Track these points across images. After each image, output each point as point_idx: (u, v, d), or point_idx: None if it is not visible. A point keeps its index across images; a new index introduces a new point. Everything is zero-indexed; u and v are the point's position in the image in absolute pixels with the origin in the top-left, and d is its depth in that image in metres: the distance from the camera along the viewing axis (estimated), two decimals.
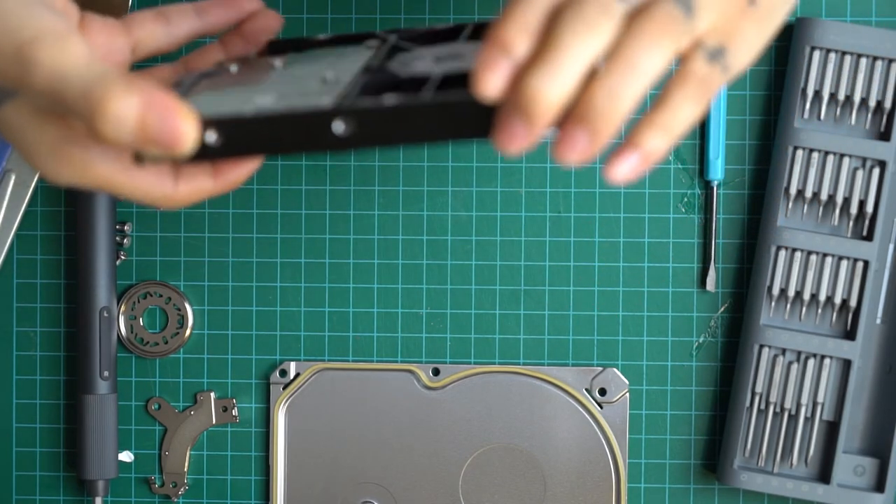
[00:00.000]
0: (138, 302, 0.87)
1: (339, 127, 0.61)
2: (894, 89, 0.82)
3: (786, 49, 0.85)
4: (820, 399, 0.83)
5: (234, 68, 0.69)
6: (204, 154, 0.61)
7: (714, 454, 0.86)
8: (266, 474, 0.87)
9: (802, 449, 0.84)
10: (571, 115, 0.56)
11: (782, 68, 0.85)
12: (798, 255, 0.83)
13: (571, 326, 0.86)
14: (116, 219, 0.86)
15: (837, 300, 0.83)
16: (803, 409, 0.84)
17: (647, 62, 0.56)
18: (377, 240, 0.86)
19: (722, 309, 0.86)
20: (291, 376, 0.86)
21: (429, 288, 0.86)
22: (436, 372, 0.86)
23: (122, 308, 0.87)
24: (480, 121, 0.59)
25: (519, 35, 0.56)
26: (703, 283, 0.86)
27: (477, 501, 0.86)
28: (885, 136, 0.83)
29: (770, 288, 0.84)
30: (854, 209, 0.83)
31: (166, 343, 0.87)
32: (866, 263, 0.83)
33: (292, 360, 0.86)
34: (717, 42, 0.58)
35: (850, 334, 0.83)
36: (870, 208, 0.83)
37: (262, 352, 0.87)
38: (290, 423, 0.86)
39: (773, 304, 0.84)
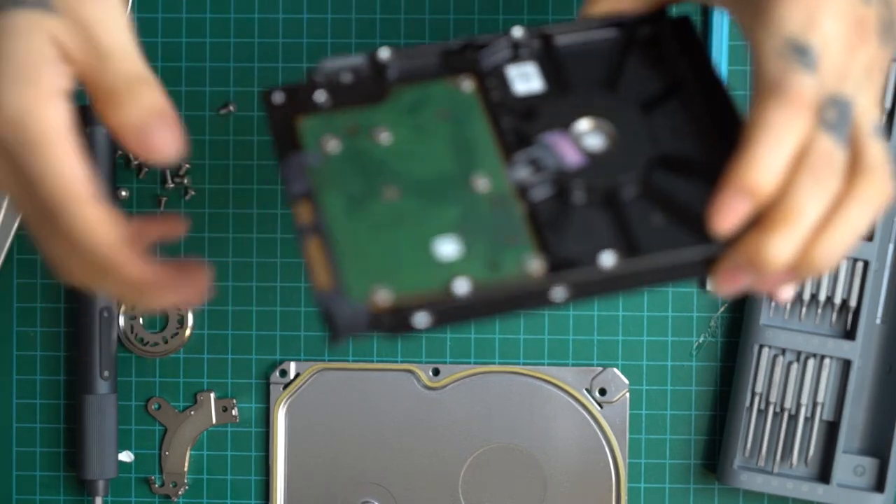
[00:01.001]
0: None
1: (557, 295, 0.59)
2: (893, 90, 0.82)
3: None
4: (820, 399, 0.83)
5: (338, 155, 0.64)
6: (408, 329, 0.58)
7: (714, 454, 0.86)
8: (266, 474, 0.87)
9: (802, 449, 0.84)
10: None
11: None
12: None
13: (571, 326, 0.86)
14: None
15: (837, 300, 0.83)
16: (803, 409, 0.84)
17: (864, 222, 0.59)
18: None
19: (722, 309, 0.86)
20: (291, 376, 0.86)
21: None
22: (436, 372, 0.86)
23: (123, 308, 0.87)
24: (701, 269, 0.59)
25: (764, 181, 0.57)
26: (703, 282, 0.86)
27: (477, 501, 0.86)
28: (885, 137, 0.83)
29: None
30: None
31: (166, 343, 0.87)
32: (866, 263, 0.83)
33: (292, 360, 0.86)
34: None
35: (850, 334, 0.83)
36: None
37: (262, 352, 0.87)
38: (290, 423, 0.86)
39: (772, 304, 0.84)
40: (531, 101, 0.64)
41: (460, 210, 0.61)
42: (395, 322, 0.57)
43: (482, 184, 0.61)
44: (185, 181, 0.86)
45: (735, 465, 0.84)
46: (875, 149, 0.59)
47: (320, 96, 0.64)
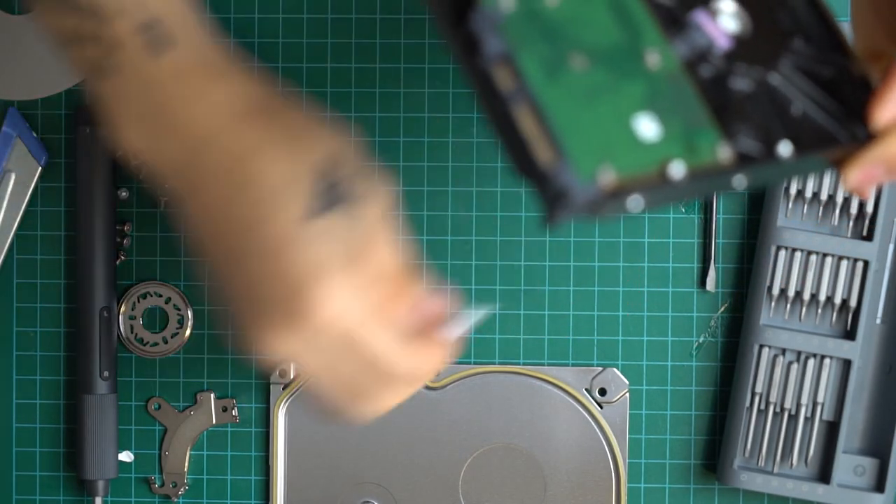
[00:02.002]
0: (138, 302, 0.87)
1: (739, 182, 0.59)
2: None
3: None
4: (820, 399, 0.83)
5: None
6: (622, 210, 0.56)
7: (714, 454, 0.86)
8: (266, 474, 0.87)
9: (802, 449, 0.84)
10: None
11: None
12: (798, 254, 0.83)
13: (571, 326, 0.86)
14: (116, 219, 0.86)
15: (837, 300, 0.83)
16: (803, 409, 0.84)
17: None
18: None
19: (722, 309, 0.86)
20: (291, 376, 0.86)
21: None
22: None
23: (122, 308, 0.87)
24: (844, 157, 0.61)
25: None
26: (703, 282, 0.86)
27: (477, 501, 0.86)
28: None
29: (770, 288, 0.84)
30: (854, 209, 0.83)
31: (166, 343, 0.87)
32: (866, 263, 0.83)
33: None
34: None
35: (850, 334, 0.83)
36: (870, 208, 0.83)
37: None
38: (290, 423, 0.86)
39: (773, 303, 0.84)
40: None
41: (645, 85, 0.59)
42: (615, 204, 0.55)
43: (653, 58, 0.59)
44: None
45: (735, 465, 0.84)
46: None
47: None
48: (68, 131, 0.87)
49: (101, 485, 0.86)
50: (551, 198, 0.54)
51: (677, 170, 0.56)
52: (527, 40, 0.57)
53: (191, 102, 0.60)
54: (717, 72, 0.61)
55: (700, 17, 0.61)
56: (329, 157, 0.60)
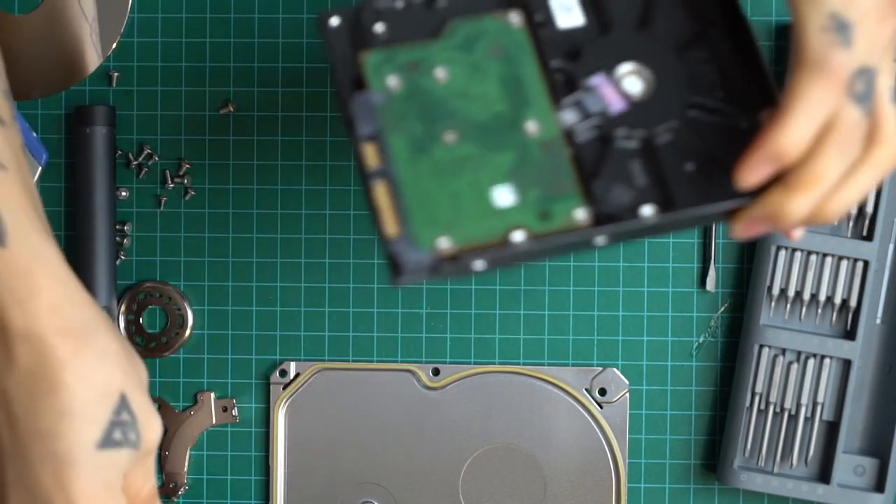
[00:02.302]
0: (138, 302, 0.87)
1: (599, 241, 0.64)
2: None
3: (785, 49, 0.85)
4: (820, 399, 0.83)
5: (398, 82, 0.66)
6: (465, 272, 0.63)
7: (714, 454, 0.86)
8: (266, 474, 0.87)
9: (802, 449, 0.84)
10: None
11: (781, 69, 0.85)
12: (798, 254, 0.83)
13: (571, 326, 0.86)
14: (116, 219, 0.86)
15: (837, 300, 0.83)
16: (803, 409, 0.84)
17: (875, 182, 0.65)
18: (378, 239, 0.86)
19: (722, 309, 0.86)
20: (291, 376, 0.86)
21: (428, 288, 0.86)
22: (436, 372, 0.86)
23: (122, 308, 0.87)
24: (726, 218, 0.65)
25: (794, 149, 0.62)
26: (703, 282, 0.86)
27: (477, 501, 0.86)
28: None
29: (770, 288, 0.84)
30: (854, 209, 0.83)
31: (166, 343, 0.87)
32: (866, 263, 0.83)
33: (292, 360, 0.86)
34: None
35: (849, 334, 0.83)
36: (870, 208, 0.83)
37: (262, 352, 0.87)
38: (290, 423, 0.86)
39: (772, 303, 0.84)
40: (575, 38, 0.67)
41: (514, 155, 0.65)
42: (454, 268, 0.63)
43: (533, 127, 0.65)
44: (185, 181, 0.86)
45: (735, 465, 0.84)
46: (892, 117, 0.64)
47: (379, 28, 0.66)
48: (68, 131, 0.87)
49: None
50: (389, 264, 0.62)
51: (519, 236, 0.63)
52: (401, 120, 0.65)
53: (18, 302, 0.61)
54: (601, 135, 0.66)
55: (598, 80, 0.67)
56: (133, 386, 0.62)
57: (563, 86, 0.66)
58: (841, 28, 0.62)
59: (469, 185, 0.64)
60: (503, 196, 0.64)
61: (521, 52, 0.66)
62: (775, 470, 0.84)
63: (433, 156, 0.65)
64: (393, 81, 0.65)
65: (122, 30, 0.86)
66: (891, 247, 0.84)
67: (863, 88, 0.63)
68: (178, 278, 0.87)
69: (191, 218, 0.87)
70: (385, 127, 0.64)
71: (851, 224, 0.84)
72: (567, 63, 0.67)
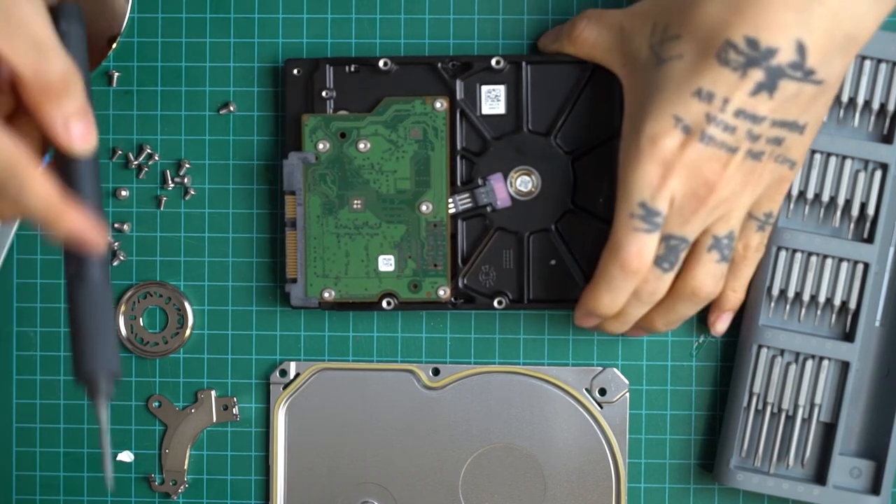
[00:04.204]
0: (138, 302, 0.86)
1: (448, 308, 0.83)
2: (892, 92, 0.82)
3: None
4: (817, 400, 0.84)
5: None
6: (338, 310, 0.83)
7: (714, 454, 0.86)
8: (266, 474, 0.87)
9: (799, 450, 0.84)
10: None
11: None
12: (798, 256, 0.83)
13: (571, 326, 0.86)
14: (111, 219, 0.86)
15: (837, 302, 0.83)
16: (801, 410, 0.84)
17: (685, 315, 0.80)
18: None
19: None
20: (291, 376, 0.86)
21: None
22: (436, 372, 0.86)
23: (122, 308, 0.86)
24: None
25: (607, 310, 0.77)
26: None
27: (477, 501, 0.86)
28: (887, 139, 0.83)
29: (770, 288, 0.84)
30: (855, 211, 0.83)
31: (166, 343, 0.86)
32: (866, 266, 0.83)
33: (292, 360, 0.86)
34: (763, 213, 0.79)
35: (848, 336, 0.84)
36: (871, 211, 0.83)
37: (262, 352, 0.86)
38: (290, 423, 0.86)
39: (772, 304, 0.84)
40: (491, 124, 0.81)
41: (405, 229, 0.80)
42: (332, 309, 0.82)
43: (426, 207, 0.80)
44: (185, 181, 0.86)
45: (731, 465, 0.84)
46: (701, 270, 0.76)
47: (325, 94, 0.81)
48: None
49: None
50: (284, 298, 0.84)
51: (388, 303, 0.81)
52: (321, 182, 0.80)
53: None
54: (483, 225, 0.81)
55: (495, 179, 0.81)
56: None
57: (465, 174, 0.81)
58: (649, 213, 0.73)
59: (362, 248, 0.80)
60: (386, 263, 0.80)
61: (437, 137, 0.80)
62: (771, 470, 0.84)
63: (339, 218, 0.80)
64: (322, 146, 0.80)
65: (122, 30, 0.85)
66: (891, 250, 0.84)
67: (664, 252, 0.74)
68: (178, 278, 0.87)
69: (191, 218, 0.86)
70: (308, 185, 0.80)
71: (852, 226, 0.83)
72: (472, 155, 0.80)
